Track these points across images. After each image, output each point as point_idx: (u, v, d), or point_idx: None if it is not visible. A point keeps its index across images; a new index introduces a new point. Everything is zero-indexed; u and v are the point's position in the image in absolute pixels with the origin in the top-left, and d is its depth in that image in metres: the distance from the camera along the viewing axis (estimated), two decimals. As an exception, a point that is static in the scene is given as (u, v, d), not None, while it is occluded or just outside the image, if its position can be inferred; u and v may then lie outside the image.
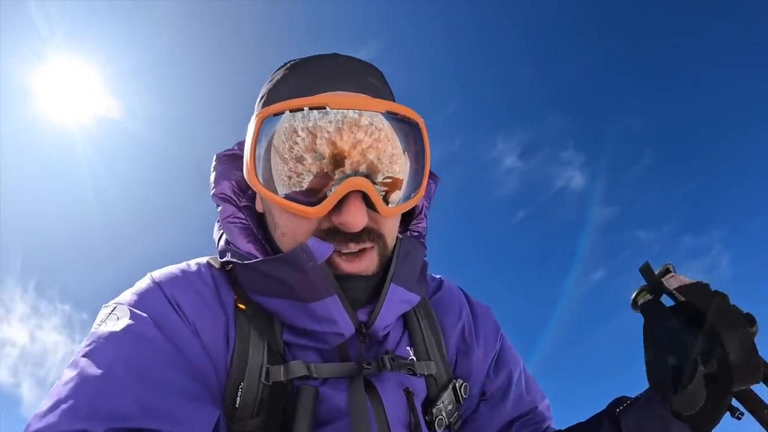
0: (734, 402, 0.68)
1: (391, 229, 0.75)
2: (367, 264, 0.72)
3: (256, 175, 0.70)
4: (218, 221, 0.82)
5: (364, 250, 0.71)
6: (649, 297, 0.77)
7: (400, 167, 0.71)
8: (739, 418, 0.68)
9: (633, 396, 0.76)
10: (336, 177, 0.67)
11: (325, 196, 0.67)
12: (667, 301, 0.75)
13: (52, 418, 0.56)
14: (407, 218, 0.86)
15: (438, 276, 1.01)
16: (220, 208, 0.80)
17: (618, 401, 0.78)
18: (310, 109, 0.66)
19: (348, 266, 0.71)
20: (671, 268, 0.76)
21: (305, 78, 0.73)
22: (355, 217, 0.66)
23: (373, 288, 0.75)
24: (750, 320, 0.66)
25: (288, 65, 0.78)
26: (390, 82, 0.82)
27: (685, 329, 0.68)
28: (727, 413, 0.68)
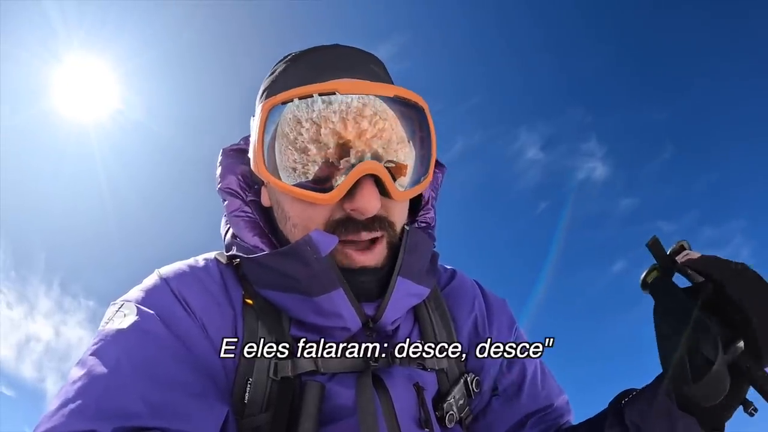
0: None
1: (400, 217, 0.74)
2: (379, 255, 0.72)
3: (265, 166, 0.69)
4: (225, 215, 0.82)
5: (375, 239, 0.71)
6: (659, 276, 0.68)
7: (407, 153, 0.71)
8: (752, 414, 0.59)
9: (640, 387, 0.70)
10: (345, 164, 0.66)
11: (335, 185, 0.66)
12: (681, 282, 0.66)
13: (60, 418, 0.56)
14: (414, 209, 0.84)
15: (450, 267, 0.99)
16: (226, 202, 0.80)
17: (624, 393, 0.73)
18: (320, 95, 0.65)
19: (362, 258, 0.70)
20: (686, 245, 0.67)
21: (308, 68, 0.72)
22: (369, 201, 0.66)
23: (381, 281, 0.74)
24: None
25: (288, 58, 0.77)
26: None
27: (703, 310, 0.59)
28: (740, 408, 0.60)
